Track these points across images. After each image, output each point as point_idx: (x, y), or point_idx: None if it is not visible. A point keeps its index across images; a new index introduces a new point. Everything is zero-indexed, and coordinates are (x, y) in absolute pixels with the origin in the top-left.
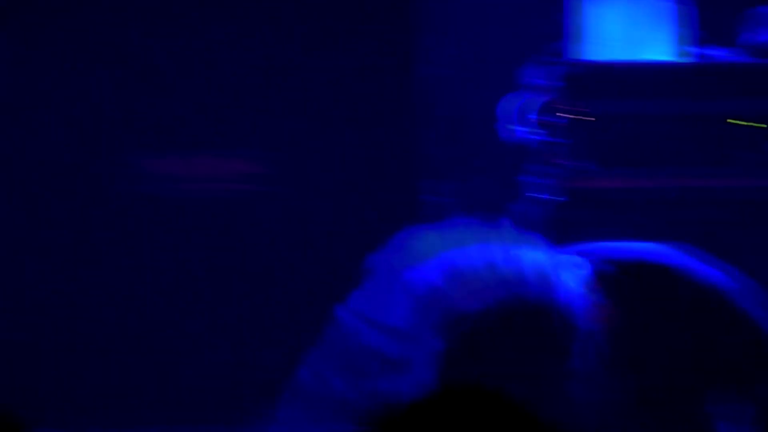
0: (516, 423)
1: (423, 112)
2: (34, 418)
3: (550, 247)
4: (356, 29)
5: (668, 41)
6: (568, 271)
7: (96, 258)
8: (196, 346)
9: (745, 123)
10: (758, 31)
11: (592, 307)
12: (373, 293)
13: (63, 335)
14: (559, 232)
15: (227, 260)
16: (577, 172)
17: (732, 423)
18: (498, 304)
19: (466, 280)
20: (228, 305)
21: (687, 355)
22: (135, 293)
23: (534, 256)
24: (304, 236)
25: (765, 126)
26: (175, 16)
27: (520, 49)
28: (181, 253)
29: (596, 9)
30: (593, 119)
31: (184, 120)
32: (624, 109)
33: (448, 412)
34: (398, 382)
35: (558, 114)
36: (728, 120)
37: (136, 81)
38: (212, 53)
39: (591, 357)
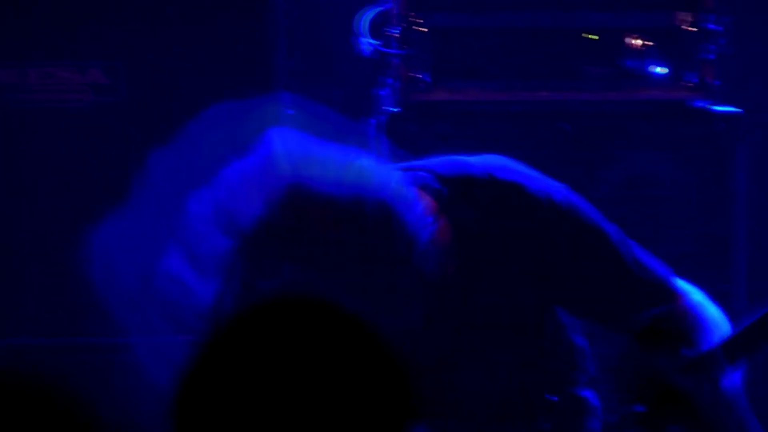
0: (353, 337)
1: (281, 24)
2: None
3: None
4: None
5: None
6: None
7: None
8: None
9: (593, 37)
10: None
11: (429, 222)
12: (227, 194)
13: None
14: (403, 146)
15: (84, 170)
16: (424, 85)
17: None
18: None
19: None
20: (83, 211)
21: (528, 273)
22: None
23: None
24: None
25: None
26: None
27: None
28: (38, 162)
29: None
30: (442, 32)
31: (37, 30)
32: (472, 22)
33: (280, 321)
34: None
35: (407, 27)
36: (583, 34)
37: None
38: None
39: (427, 272)
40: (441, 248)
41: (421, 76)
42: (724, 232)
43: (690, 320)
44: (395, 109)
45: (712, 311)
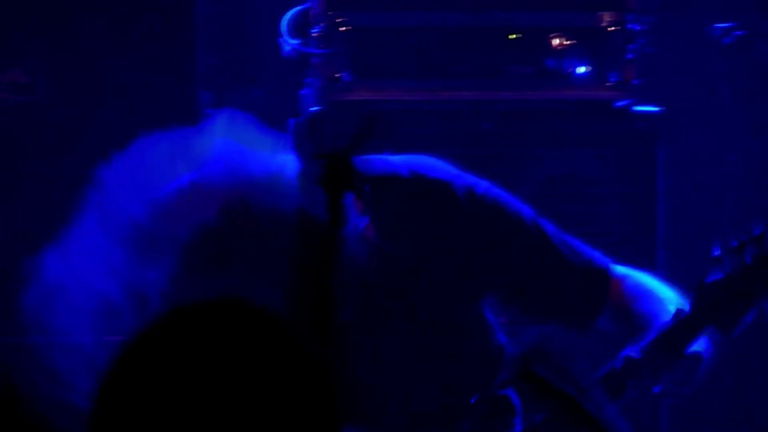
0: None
1: (201, 22)
2: None
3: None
4: None
5: None
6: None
7: None
8: None
9: (516, 36)
10: None
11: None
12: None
13: None
14: (328, 145)
15: (3, 169)
16: (345, 84)
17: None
18: (229, 211)
19: (200, 191)
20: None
21: (455, 270)
22: None
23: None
24: (83, 145)
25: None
26: None
27: None
28: None
29: None
30: (364, 31)
31: None
32: (394, 21)
33: (201, 326)
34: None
35: (329, 26)
36: (507, 35)
37: None
38: None
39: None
40: (365, 246)
41: (342, 75)
42: (646, 228)
43: (629, 303)
44: (317, 108)
45: (655, 289)
